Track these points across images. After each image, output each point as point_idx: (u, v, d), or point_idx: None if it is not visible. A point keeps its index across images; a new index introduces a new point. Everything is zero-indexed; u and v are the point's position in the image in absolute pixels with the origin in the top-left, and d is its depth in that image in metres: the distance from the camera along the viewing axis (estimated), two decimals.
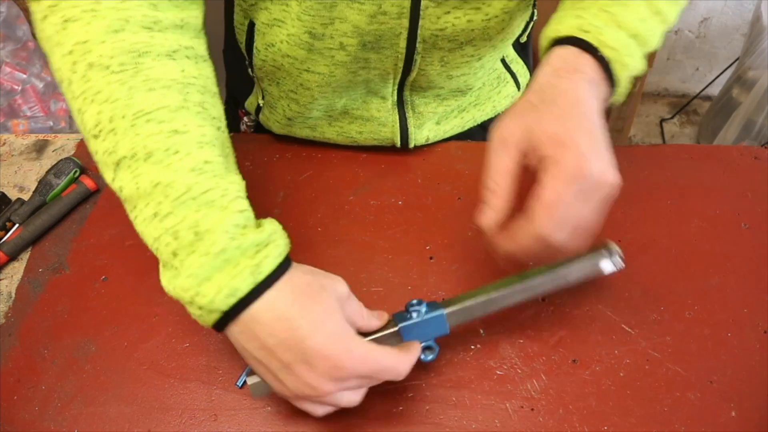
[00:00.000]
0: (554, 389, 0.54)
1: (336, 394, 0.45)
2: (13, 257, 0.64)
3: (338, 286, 0.47)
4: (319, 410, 0.47)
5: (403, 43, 0.61)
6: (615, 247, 0.51)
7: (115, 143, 0.44)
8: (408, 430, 0.51)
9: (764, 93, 1.59)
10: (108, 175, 0.46)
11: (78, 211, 0.68)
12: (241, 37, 0.67)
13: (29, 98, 1.98)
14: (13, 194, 0.70)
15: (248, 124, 0.84)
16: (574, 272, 0.50)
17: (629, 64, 0.49)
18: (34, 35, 1.96)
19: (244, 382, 0.54)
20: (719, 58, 1.91)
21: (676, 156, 0.73)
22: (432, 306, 0.50)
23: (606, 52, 0.48)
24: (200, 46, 0.50)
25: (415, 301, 0.50)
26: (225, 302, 0.43)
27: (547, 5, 0.59)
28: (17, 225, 0.65)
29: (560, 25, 0.50)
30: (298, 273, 0.46)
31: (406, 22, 0.59)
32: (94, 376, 0.55)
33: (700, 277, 0.61)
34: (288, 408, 0.53)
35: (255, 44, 0.65)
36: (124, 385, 0.54)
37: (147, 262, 0.63)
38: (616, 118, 1.67)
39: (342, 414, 0.52)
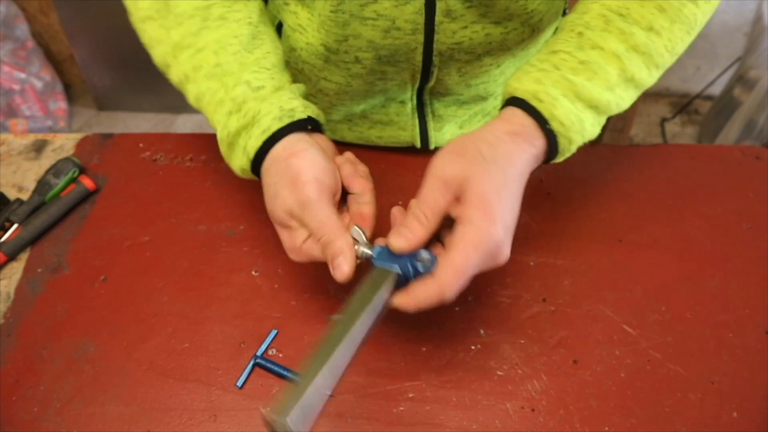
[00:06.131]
0: (555, 390, 0.53)
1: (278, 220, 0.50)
2: (11, 257, 0.64)
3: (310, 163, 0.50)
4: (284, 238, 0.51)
5: (419, 57, 0.60)
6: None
7: (174, 74, 0.56)
8: (409, 430, 0.51)
9: (766, 93, 1.58)
10: (186, 98, 0.57)
11: (77, 211, 0.68)
12: None
13: (28, 98, 1.98)
14: (12, 194, 0.69)
15: None
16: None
17: (576, 140, 0.50)
18: (32, 35, 1.96)
19: (244, 382, 0.54)
20: (720, 58, 1.91)
21: (677, 156, 0.72)
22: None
23: (554, 126, 0.49)
24: None
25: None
26: (243, 172, 0.54)
27: None
28: (16, 225, 0.65)
29: (519, 83, 0.50)
30: (284, 144, 0.51)
31: (421, 37, 0.58)
32: (93, 377, 0.55)
33: (701, 277, 0.61)
34: None
35: None
36: (124, 385, 0.54)
37: (146, 262, 0.63)
38: (617, 117, 1.66)
39: (343, 414, 0.52)
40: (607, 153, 0.73)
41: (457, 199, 0.46)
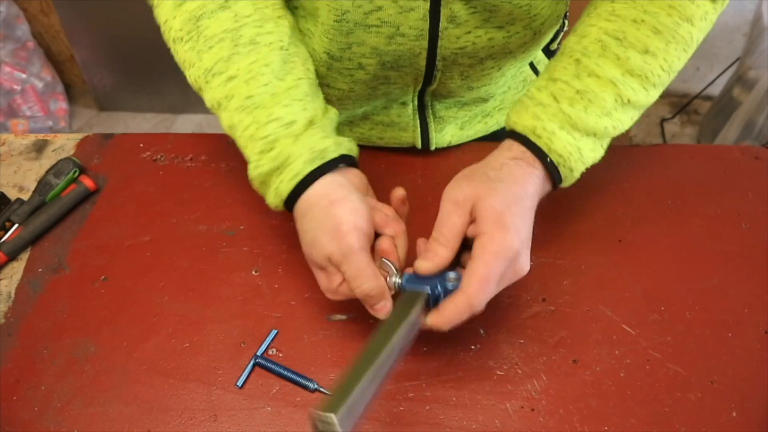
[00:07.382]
0: (555, 389, 0.53)
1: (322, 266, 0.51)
2: (12, 257, 0.64)
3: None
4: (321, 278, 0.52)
5: (422, 62, 0.61)
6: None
7: (207, 99, 0.56)
8: (408, 430, 0.51)
9: (765, 93, 1.59)
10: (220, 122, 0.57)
11: (77, 211, 0.68)
12: None
13: (29, 98, 1.98)
14: (12, 194, 0.70)
15: None
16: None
17: (577, 167, 0.53)
18: (33, 35, 1.96)
19: (244, 381, 0.54)
20: (720, 58, 1.91)
21: (676, 156, 0.72)
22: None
23: (554, 158, 0.52)
24: None
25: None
26: (276, 209, 0.54)
27: (578, 14, 0.59)
28: (17, 225, 0.65)
29: (519, 118, 0.53)
30: (324, 183, 0.52)
31: (425, 43, 0.58)
32: (94, 377, 0.55)
33: (700, 277, 0.61)
34: (288, 408, 0.53)
35: None
36: (124, 385, 0.54)
37: (146, 262, 0.63)
38: None
39: None
40: (607, 153, 0.73)
41: (473, 219, 0.49)
